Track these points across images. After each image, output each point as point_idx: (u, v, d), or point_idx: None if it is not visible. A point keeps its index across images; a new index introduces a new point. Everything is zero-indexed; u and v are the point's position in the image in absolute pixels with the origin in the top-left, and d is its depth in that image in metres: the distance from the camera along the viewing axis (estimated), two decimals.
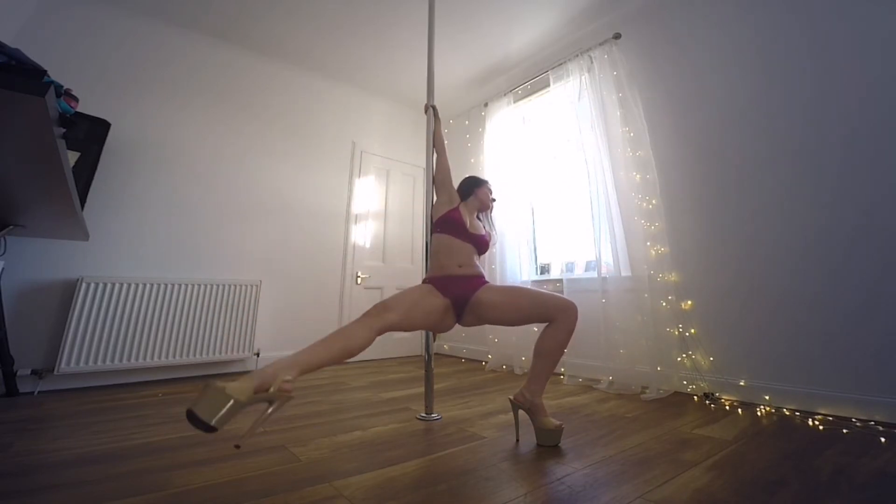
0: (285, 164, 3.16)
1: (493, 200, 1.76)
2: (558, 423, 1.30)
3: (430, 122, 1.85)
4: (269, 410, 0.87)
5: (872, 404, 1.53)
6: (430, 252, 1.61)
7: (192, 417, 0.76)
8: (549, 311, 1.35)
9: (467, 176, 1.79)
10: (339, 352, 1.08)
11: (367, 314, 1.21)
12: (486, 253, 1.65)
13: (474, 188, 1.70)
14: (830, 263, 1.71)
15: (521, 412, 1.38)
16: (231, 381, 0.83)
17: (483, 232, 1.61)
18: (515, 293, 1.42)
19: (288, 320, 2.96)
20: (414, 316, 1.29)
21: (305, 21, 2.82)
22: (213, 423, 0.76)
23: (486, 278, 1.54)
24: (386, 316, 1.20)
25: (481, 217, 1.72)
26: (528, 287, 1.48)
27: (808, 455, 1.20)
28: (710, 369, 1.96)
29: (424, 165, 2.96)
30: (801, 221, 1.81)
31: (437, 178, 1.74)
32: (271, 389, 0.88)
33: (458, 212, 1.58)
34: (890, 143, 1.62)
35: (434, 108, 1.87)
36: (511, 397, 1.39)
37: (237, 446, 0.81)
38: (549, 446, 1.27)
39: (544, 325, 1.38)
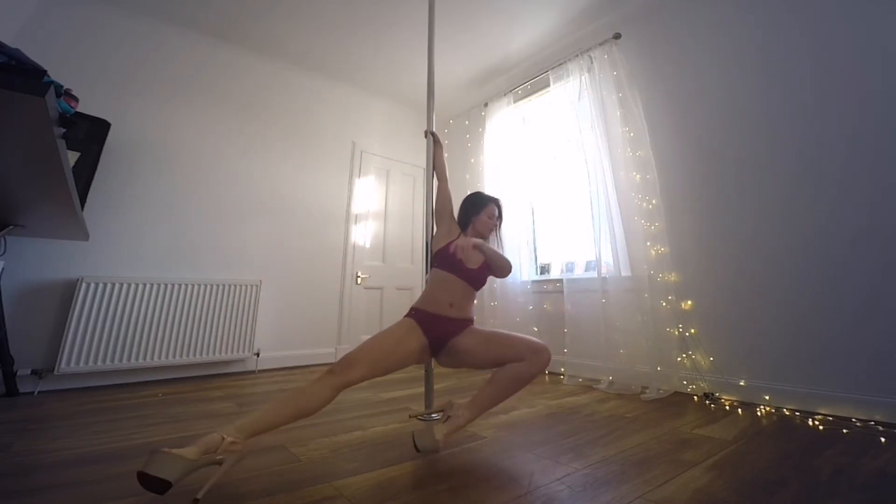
0: (285, 164, 3.17)
1: (499, 221, 1.62)
2: (441, 444, 1.17)
3: (429, 148, 1.78)
4: (222, 469, 0.93)
5: (872, 404, 1.53)
6: (427, 282, 1.54)
7: (144, 478, 0.82)
8: (520, 352, 1.30)
9: (466, 197, 1.66)
10: (292, 413, 1.07)
11: (329, 371, 1.16)
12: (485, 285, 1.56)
13: (471, 217, 1.59)
14: (831, 263, 1.71)
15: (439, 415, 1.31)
16: (178, 448, 0.89)
17: (480, 264, 1.49)
18: (491, 339, 1.37)
19: (288, 320, 2.96)
20: (384, 366, 1.24)
21: (305, 21, 2.82)
22: (165, 476, 0.82)
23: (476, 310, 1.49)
24: (349, 374, 1.16)
25: (488, 238, 1.62)
26: (506, 331, 1.43)
27: (808, 455, 1.20)
28: (710, 369, 1.96)
29: (424, 166, 2.95)
30: (801, 221, 1.81)
31: (437, 206, 1.66)
32: (218, 451, 0.93)
33: (454, 245, 1.49)
34: (891, 142, 1.62)
35: (434, 134, 1.79)
36: (446, 406, 1.32)
37: (196, 500, 0.87)
38: (417, 448, 1.17)
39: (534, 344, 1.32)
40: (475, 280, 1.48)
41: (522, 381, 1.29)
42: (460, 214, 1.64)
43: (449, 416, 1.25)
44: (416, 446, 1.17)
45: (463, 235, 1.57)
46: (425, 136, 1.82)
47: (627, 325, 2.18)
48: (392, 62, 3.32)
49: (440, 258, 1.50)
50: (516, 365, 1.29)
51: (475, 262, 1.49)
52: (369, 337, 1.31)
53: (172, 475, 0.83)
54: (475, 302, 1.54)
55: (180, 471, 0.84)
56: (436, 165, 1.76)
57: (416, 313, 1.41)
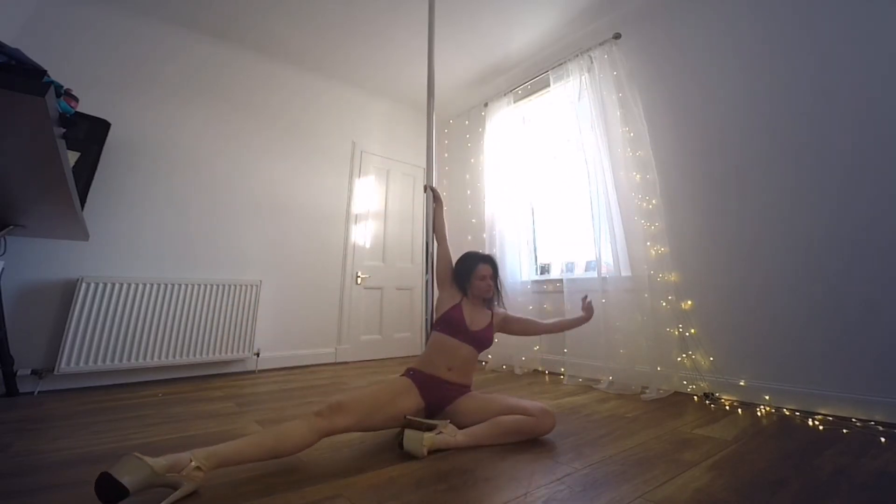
0: (285, 164, 3.16)
1: (496, 279, 1.57)
2: (425, 453, 1.18)
3: (429, 203, 1.71)
4: (175, 494, 0.90)
5: (872, 404, 1.53)
6: (427, 344, 1.52)
7: (105, 480, 0.81)
8: (529, 410, 1.30)
9: (457, 260, 1.61)
10: (267, 450, 1.02)
11: (316, 413, 1.12)
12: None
13: (466, 283, 1.54)
14: (831, 264, 1.71)
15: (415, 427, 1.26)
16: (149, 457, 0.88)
17: (485, 325, 1.49)
18: (497, 399, 1.37)
19: (288, 320, 2.96)
20: (373, 419, 1.21)
21: (305, 21, 2.82)
22: (124, 481, 0.81)
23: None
24: (336, 419, 1.12)
25: (491, 298, 1.58)
26: (509, 396, 1.40)
27: (808, 455, 1.20)
28: (710, 369, 1.96)
29: (425, 166, 2.95)
30: (802, 221, 1.81)
31: (439, 270, 1.61)
32: (183, 472, 0.91)
33: (458, 310, 1.47)
34: (893, 142, 1.62)
35: (434, 189, 1.71)
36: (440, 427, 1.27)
37: None
38: (401, 446, 1.19)
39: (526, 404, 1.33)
40: (480, 341, 1.46)
41: (523, 434, 1.29)
42: (457, 280, 1.58)
43: (441, 433, 1.24)
44: (401, 444, 1.18)
45: (465, 299, 1.54)
46: (424, 191, 1.75)
47: (627, 325, 2.18)
48: (392, 62, 3.32)
49: (443, 322, 1.47)
50: (524, 417, 1.28)
51: (482, 322, 1.47)
52: (362, 388, 1.28)
53: (132, 482, 0.82)
54: (477, 365, 1.51)
55: (141, 479, 0.83)
56: (435, 226, 1.67)
57: (413, 374, 1.38)
